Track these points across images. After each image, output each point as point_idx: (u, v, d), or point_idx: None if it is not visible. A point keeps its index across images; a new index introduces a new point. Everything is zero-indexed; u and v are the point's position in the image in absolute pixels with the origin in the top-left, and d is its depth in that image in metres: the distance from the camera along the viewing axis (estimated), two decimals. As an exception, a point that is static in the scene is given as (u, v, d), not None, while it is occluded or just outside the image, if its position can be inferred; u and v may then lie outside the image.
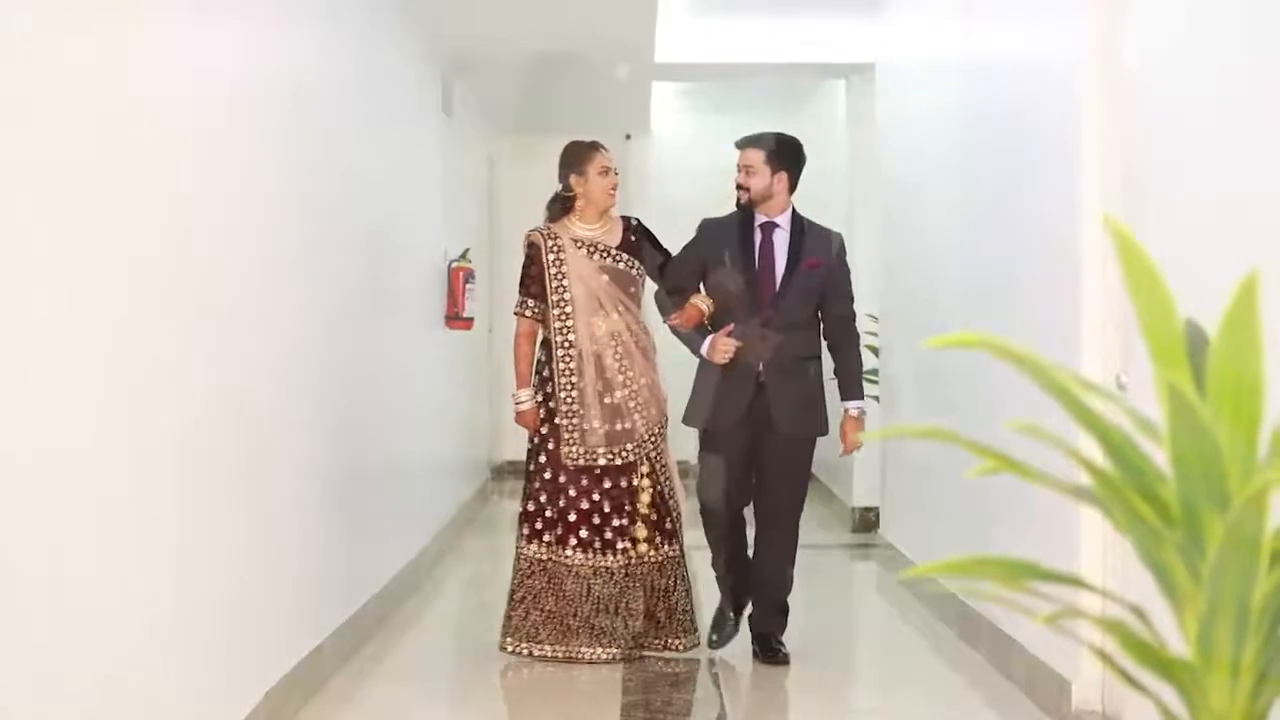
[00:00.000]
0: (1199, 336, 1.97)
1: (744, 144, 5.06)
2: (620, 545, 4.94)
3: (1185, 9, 3.57)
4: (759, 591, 5.07)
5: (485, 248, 9.33)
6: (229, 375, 3.69)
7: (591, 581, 4.92)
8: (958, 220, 5.60)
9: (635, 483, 4.97)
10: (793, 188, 5.05)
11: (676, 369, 5.29)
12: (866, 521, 7.98)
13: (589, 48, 7.63)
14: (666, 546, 5.01)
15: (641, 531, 4.96)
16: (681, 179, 10.04)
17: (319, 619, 4.60)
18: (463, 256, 7.69)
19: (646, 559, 4.97)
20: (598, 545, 4.94)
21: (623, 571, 4.93)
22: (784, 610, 5.06)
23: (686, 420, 5.08)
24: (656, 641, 5.02)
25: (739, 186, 5.02)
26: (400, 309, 6.39)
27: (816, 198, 8.31)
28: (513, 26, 7.19)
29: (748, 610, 5.12)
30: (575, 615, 4.92)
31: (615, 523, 4.95)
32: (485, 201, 9.83)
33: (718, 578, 5.13)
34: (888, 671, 5.27)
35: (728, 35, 8.00)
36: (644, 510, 4.97)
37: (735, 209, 5.04)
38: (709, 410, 4.98)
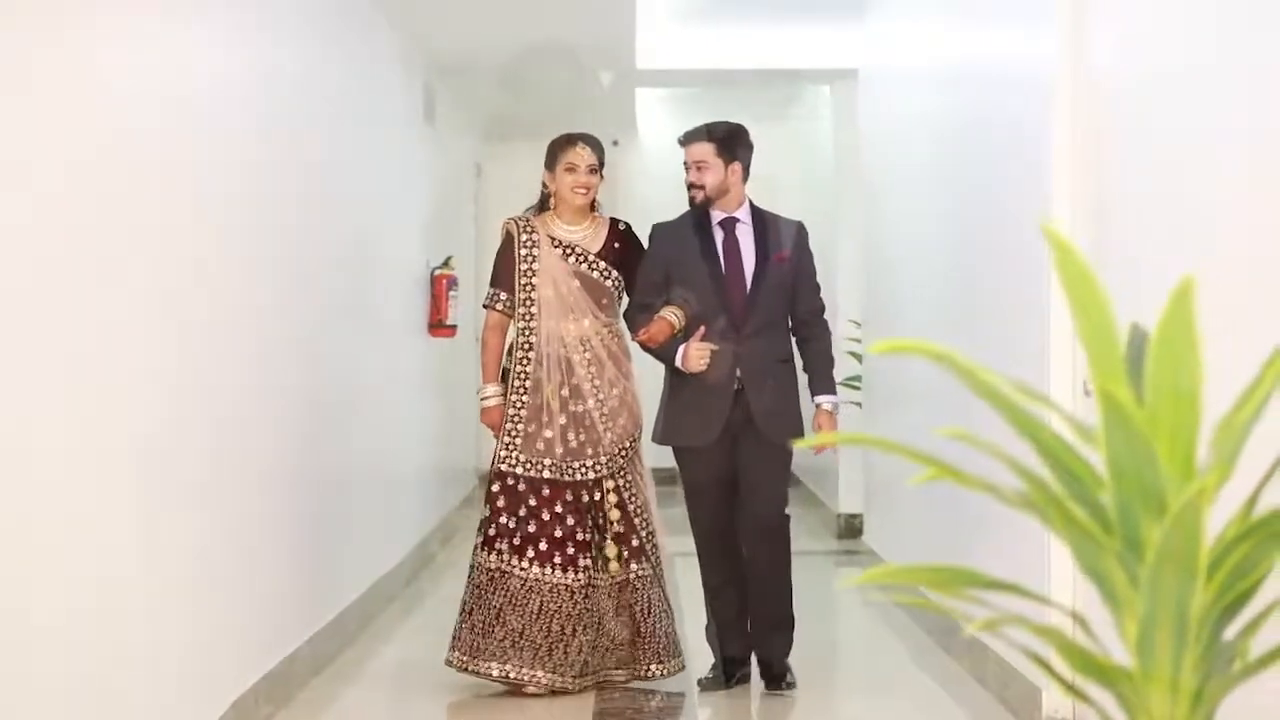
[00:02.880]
0: (1146, 343, 1.95)
1: (689, 138, 4.71)
2: (582, 562, 4.59)
3: (1148, 17, 3.57)
4: (757, 610, 4.70)
5: (472, 254, 9.32)
6: (197, 380, 3.68)
7: (546, 600, 4.57)
8: (937, 226, 5.60)
9: (602, 496, 4.65)
10: (746, 177, 4.73)
11: (649, 381, 5.07)
12: (851, 528, 7.96)
13: (570, 54, 7.63)
14: (636, 565, 4.66)
15: (611, 549, 4.64)
16: (670, 184, 9.99)
17: (290, 628, 4.58)
18: (445, 264, 7.68)
19: (613, 579, 4.63)
20: (558, 560, 4.59)
21: (583, 592, 4.58)
22: (788, 627, 4.72)
23: (658, 438, 4.75)
24: (629, 669, 4.68)
25: (692, 185, 4.68)
26: (380, 316, 6.38)
27: (803, 202, 8.33)
28: (492, 34, 7.19)
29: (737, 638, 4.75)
30: (524, 634, 4.58)
31: (579, 537, 4.60)
32: (472, 208, 9.82)
33: (712, 616, 4.77)
34: (866, 679, 5.25)
35: (711, 41, 7.99)
36: (614, 527, 4.65)
37: (690, 209, 4.73)
38: (685, 426, 4.67)
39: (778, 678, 4.67)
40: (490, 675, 4.61)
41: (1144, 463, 1.75)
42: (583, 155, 4.72)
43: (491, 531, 4.67)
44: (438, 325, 7.56)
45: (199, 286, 3.72)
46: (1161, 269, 3.27)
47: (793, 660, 4.76)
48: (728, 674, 4.71)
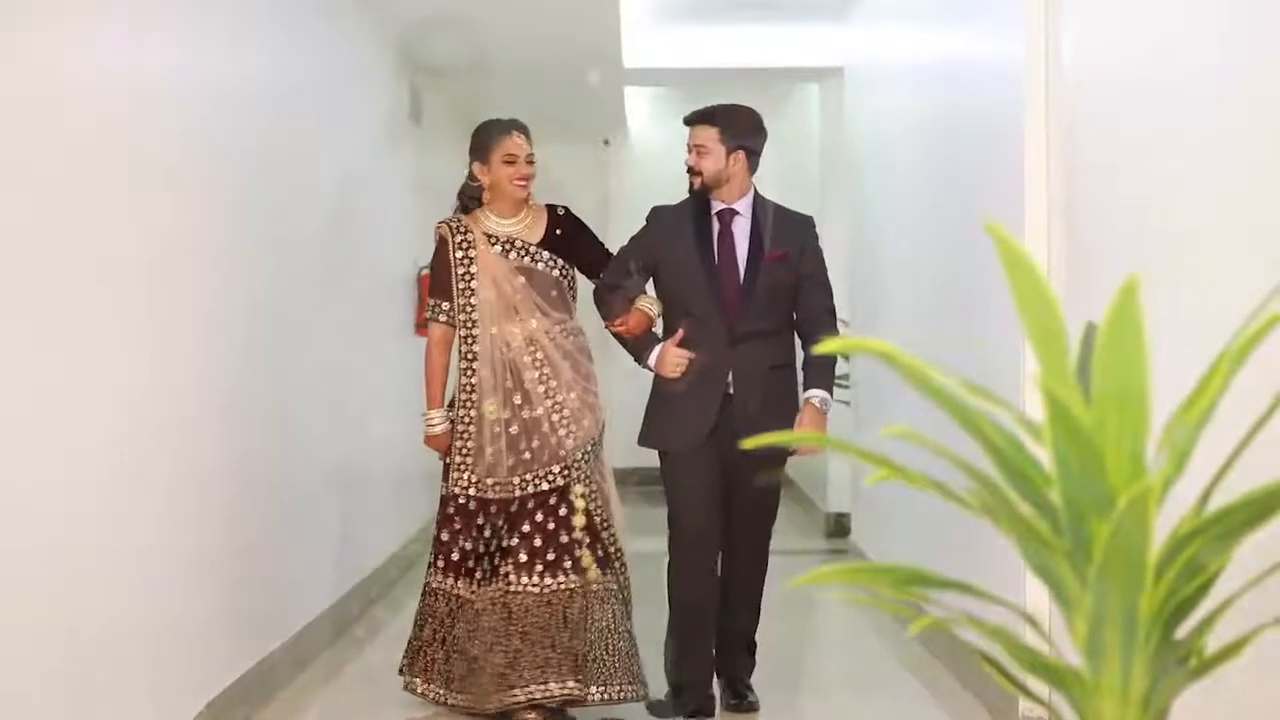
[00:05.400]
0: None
1: (694, 119, 4.40)
2: (551, 576, 4.23)
3: (1120, 16, 3.57)
4: (725, 630, 4.45)
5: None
6: (167, 380, 3.67)
7: (497, 621, 4.22)
8: (922, 223, 5.60)
9: (567, 507, 4.30)
10: (754, 167, 4.41)
11: (630, 379, 4.91)
12: (840, 527, 7.95)
13: (557, 54, 7.64)
14: (603, 577, 4.31)
15: (587, 558, 4.28)
16: (662, 182, 9.97)
17: (269, 629, 4.57)
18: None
19: (577, 589, 4.25)
20: (509, 575, 4.23)
21: (545, 600, 4.22)
22: (751, 650, 4.54)
23: (643, 440, 4.44)
24: (594, 690, 4.22)
25: (690, 170, 4.37)
26: (364, 317, 6.36)
27: (791, 201, 8.29)
28: (480, 35, 7.19)
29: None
30: (478, 660, 4.24)
31: (550, 556, 4.24)
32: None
33: (674, 635, 4.42)
34: (848, 678, 5.22)
35: (699, 40, 8.01)
36: (578, 536, 4.29)
37: (689, 196, 4.42)
38: (668, 429, 4.37)
39: (742, 695, 4.45)
40: (456, 705, 4.34)
41: (1090, 463, 1.74)
42: (521, 145, 4.39)
43: (454, 557, 4.35)
44: (425, 325, 7.55)
45: (170, 287, 3.71)
46: (1133, 266, 3.26)
47: (776, 659, 4.71)
48: (682, 702, 4.35)
